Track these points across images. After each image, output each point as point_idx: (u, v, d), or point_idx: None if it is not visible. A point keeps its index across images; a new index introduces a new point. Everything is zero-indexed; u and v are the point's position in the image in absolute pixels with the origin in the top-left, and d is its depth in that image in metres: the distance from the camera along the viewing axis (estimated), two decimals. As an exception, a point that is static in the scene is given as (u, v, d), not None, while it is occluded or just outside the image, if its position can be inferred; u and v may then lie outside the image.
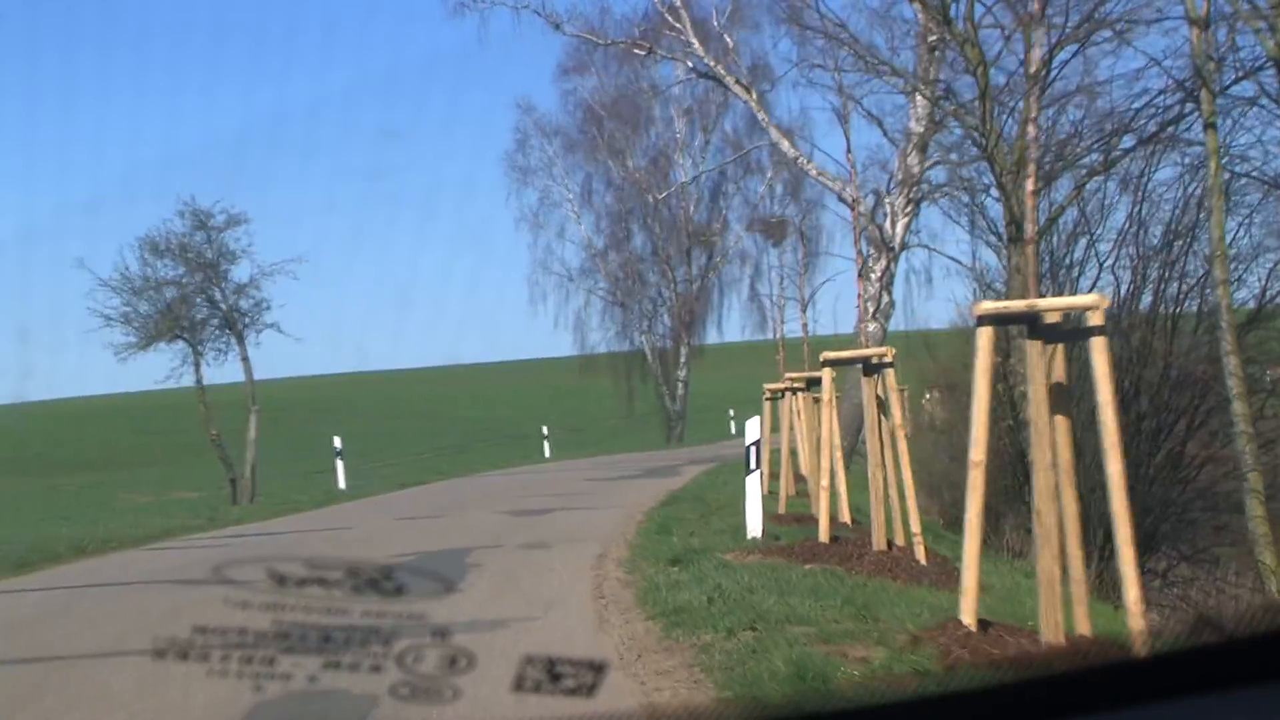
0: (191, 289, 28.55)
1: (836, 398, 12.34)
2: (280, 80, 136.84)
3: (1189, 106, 15.03)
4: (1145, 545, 16.24)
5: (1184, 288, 19.89)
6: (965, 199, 19.76)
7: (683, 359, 50.09)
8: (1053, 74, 13.80)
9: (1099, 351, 5.85)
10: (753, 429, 12.75)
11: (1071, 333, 6.09)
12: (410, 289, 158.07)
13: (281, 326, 29.17)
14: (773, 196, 49.58)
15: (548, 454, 38.05)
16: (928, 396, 33.68)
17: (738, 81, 27.70)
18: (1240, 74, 16.02)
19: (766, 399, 19.78)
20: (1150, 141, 14.15)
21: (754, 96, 27.54)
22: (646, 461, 31.85)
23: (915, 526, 10.10)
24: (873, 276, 26.70)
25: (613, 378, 50.58)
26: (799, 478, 18.28)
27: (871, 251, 26.77)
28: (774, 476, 18.54)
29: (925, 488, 18.62)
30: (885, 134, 26.99)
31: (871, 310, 26.63)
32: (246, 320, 28.80)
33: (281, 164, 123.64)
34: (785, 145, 27.36)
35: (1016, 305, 6.38)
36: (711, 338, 52.40)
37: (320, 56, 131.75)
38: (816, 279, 47.44)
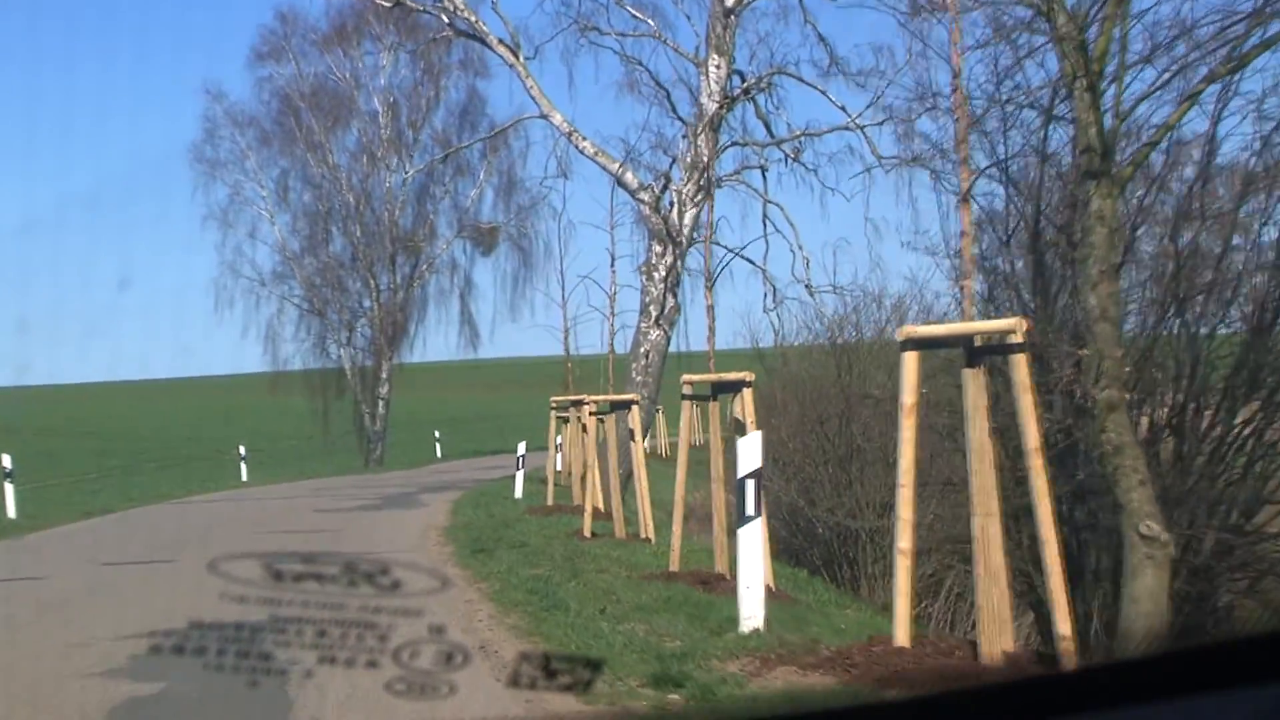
0: None
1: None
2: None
3: None
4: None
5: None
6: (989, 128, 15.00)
7: (385, 375, 45.48)
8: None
9: None
10: (749, 452, 7.95)
11: None
12: (79, 295, 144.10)
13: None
14: (484, 202, 45.96)
15: (245, 477, 32.70)
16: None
17: (501, 42, 23.77)
18: None
19: (585, 416, 15.99)
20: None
21: (519, 60, 23.59)
22: (366, 488, 27.29)
23: (1065, 627, 6.00)
24: (656, 275, 23.12)
25: (307, 394, 45.29)
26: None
27: (655, 247, 23.20)
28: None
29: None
30: (674, 110, 23.67)
31: (655, 314, 23.02)
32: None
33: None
34: (557, 118, 23.53)
35: None
36: (417, 353, 47.76)
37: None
38: (532, 291, 43.85)
